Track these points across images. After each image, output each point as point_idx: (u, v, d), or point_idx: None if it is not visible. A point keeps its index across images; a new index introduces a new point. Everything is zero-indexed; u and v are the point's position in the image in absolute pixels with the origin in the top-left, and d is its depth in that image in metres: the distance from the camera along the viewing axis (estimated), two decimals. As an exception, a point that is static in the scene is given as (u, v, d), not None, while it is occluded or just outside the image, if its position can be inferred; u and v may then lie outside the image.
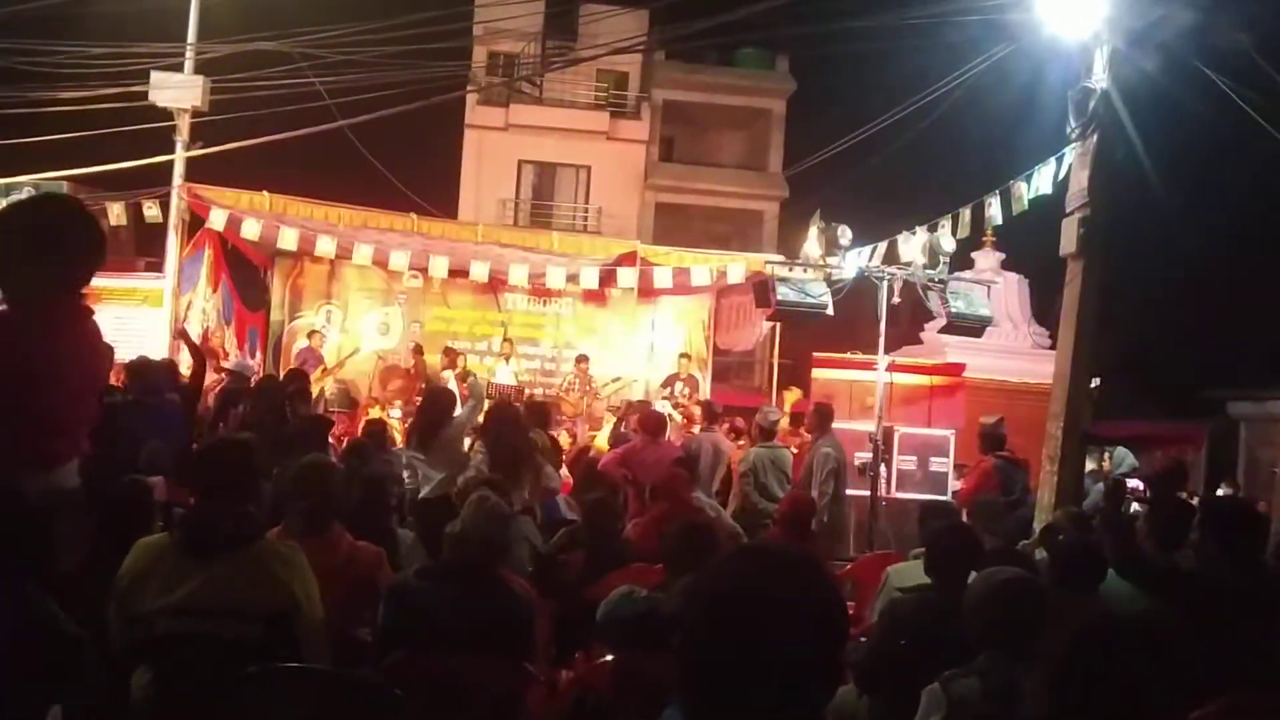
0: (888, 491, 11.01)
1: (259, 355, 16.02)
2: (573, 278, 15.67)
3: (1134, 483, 11.78)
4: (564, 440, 12.73)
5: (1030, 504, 9.12)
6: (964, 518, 6.94)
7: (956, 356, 15.26)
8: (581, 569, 5.85)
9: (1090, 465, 11.71)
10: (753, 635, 1.49)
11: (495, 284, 16.42)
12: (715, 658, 1.51)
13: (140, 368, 8.12)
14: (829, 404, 10.90)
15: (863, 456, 10.65)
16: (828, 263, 10.62)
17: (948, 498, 10.48)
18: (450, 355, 15.39)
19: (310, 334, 15.55)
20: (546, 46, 25.35)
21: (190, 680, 3.16)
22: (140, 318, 14.56)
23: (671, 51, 26.82)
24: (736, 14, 12.60)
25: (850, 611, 6.45)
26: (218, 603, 3.23)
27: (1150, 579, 4.76)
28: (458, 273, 15.71)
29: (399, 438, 10.76)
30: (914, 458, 11.75)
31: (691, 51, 26.39)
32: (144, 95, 14.35)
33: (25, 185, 14.25)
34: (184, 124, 14.65)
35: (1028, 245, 16.03)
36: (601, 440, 12.36)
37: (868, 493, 10.10)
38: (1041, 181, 10.55)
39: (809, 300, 10.28)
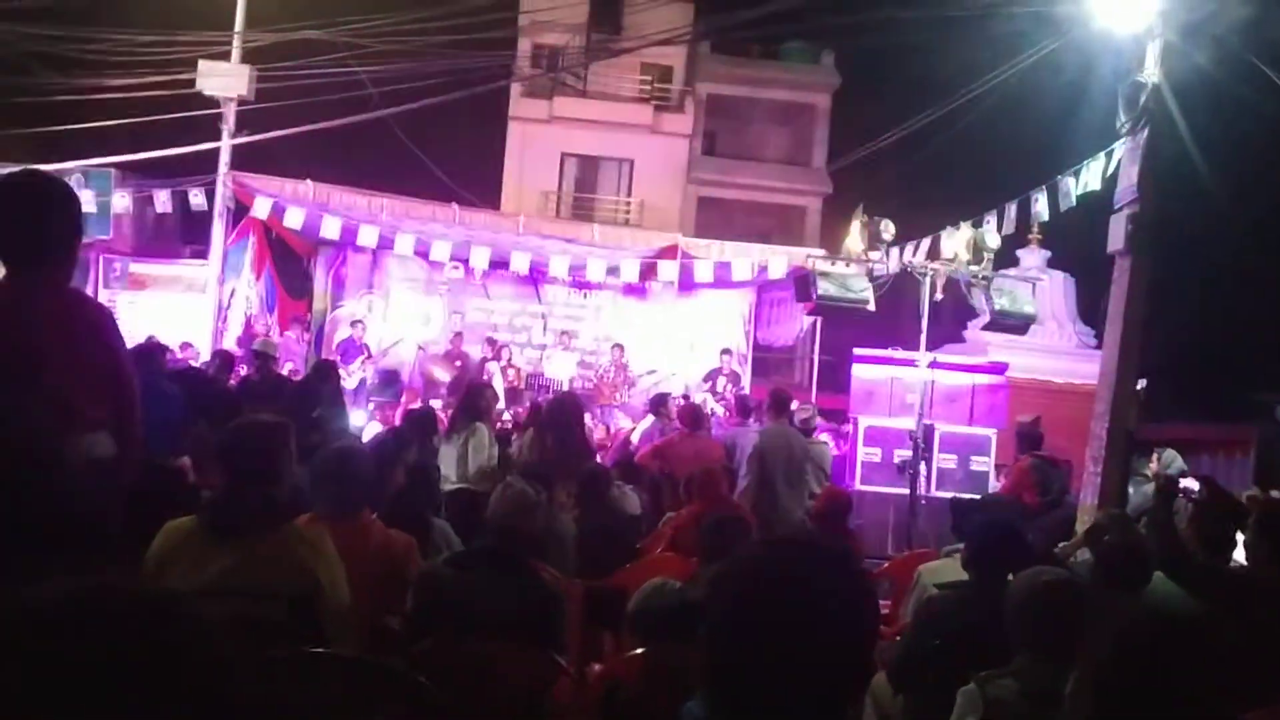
0: (927, 490, 10.88)
1: (305, 344, 16.15)
2: (613, 270, 15.66)
3: (1187, 482, 11.56)
4: (599, 432, 12.73)
5: (1069, 504, 8.98)
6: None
7: (1000, 355, 15.06)
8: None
9: (1137, 467, 11.51)
10: (778, 627, 1.43)
11: (536, 275, 16.44)
12: (738, 649, 1.46)
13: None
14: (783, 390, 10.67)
15: (902, 454, 10.54)
16: (870, 258, 10.49)
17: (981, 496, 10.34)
18: (494, 346, 15.44)
19: (353, 323, 15.64)
20: (591, 39, 25.32)
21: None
22: (185, 304, 14.71)
23: (716, 45, 26.74)
24: (782, 6, 12.51)
25: (886, 610, 6.38)
26: (242, 585, 3.21)
27: (1199, 581, 4.65)
28: (499, 264, 15.75)
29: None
30: (954, 456, 11.62)
31: (736, 45, 26.31)
32: (191, 83, 14.50)
33: (73, 171, 14.45)
34: (230, 112, 14.78)
35: (1075, 242, 15.79)
36: (639, 433, 12.33)
37: (907, 491, 9.98)
38: (1090, 177, 10.36)
39: (850, 295, 10.16)
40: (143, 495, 3.63)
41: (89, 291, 15.44)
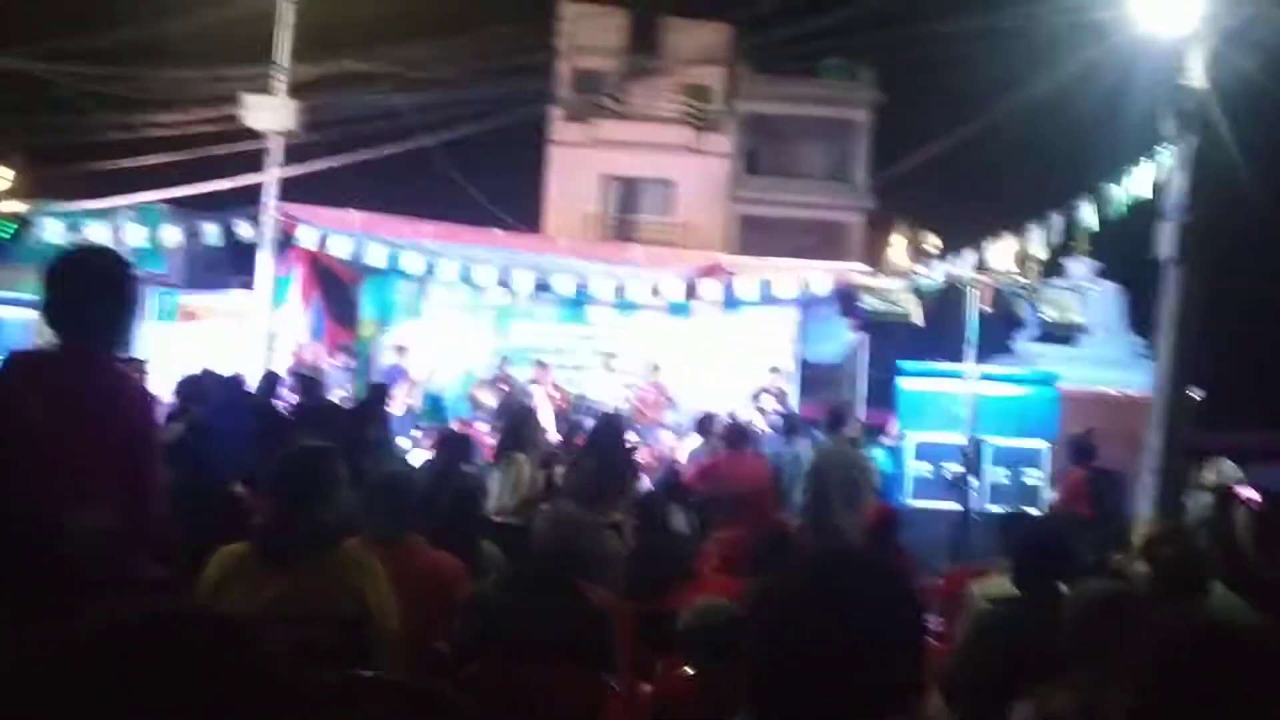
0: (979, 505, 10.76)
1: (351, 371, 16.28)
2: (656, 290, 15.67)
3: (1247, 493, 11.32)
4: (644, 453, 12.72)
5: (1124, 517, 8.83)
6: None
7: (1050, 366, 14.86)
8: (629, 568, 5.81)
9: (1194, 478, 11.30)
10: (822, 641, 1.41)
11: (579, 298, 16.50)
12: (782, 665, 1.44)
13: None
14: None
15: (953, 469, 10.43)
16: (915, 272, 10.43)
17: (1038, 510, 10.21)
18: (540, 369, 15.50)
19: (399, 349, 15.75)
20: (629, 61, 25.46)
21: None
22: (234, 334, 14.91)
23: (755, 64, 26.77)
24: (819, 24, 12.51)
25: (939, 628, 6.29)
26: (295, 610, 3.24)
27: (1261, 593, 4.55)
28: (542, 287, 15.81)
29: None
30: (1006, 470, 11.49)
31: (774, 63, 26.31)
32: (237, 118, 14.73)
33: (125, 207, 14.73)
34: (275, 145, 15.00)
35: (1124, 251, 15.58)
36: (686, 453, 12.31)
37: (959, 506, 9.88)
38: (1137, 185, 10.24)
39: (896, 310, 10.13)
40: (202, 522, 3.68)
41: (141, 324, 15.72)
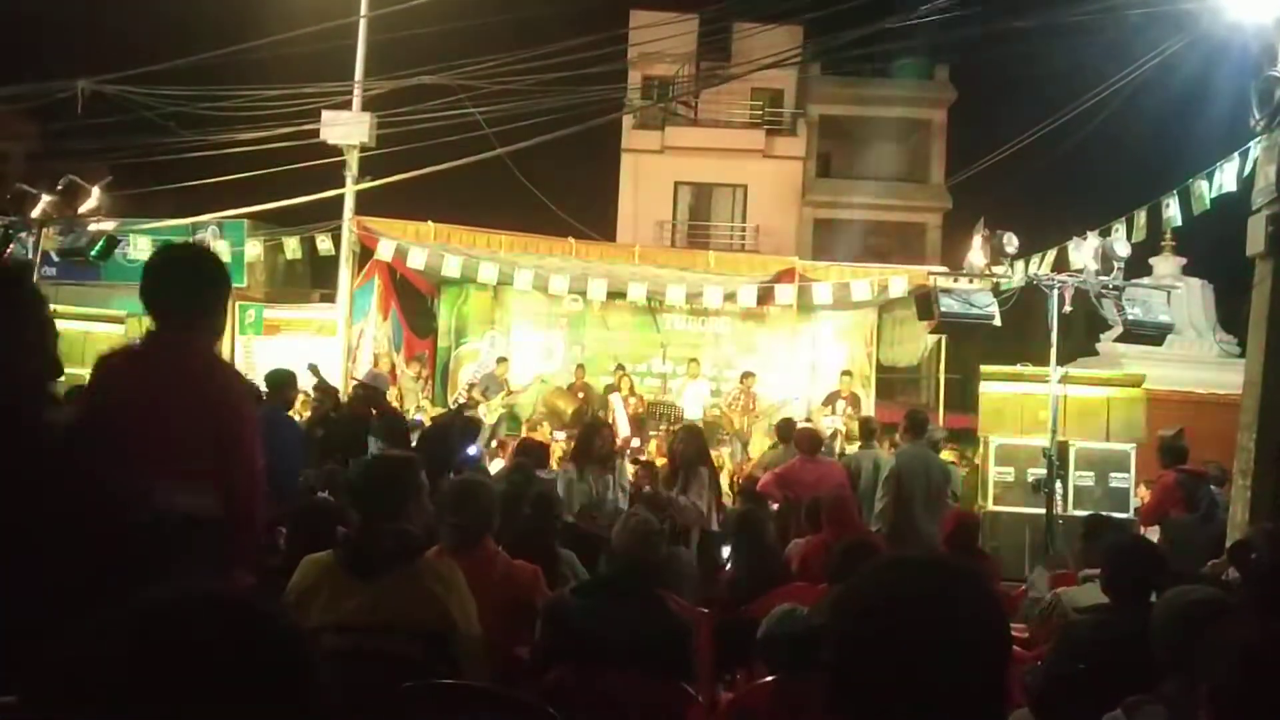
0: (1064, 509, 10.55)
1: (428, 374, 16.48)
2: (730, 296, 15.62)
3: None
4: (725, 460, 12.69)
5: (1219, 520, 8.58)
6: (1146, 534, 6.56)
7: (1136, 367, 14.52)
8: (731, 581, 5.77)
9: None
10: (902, 646, 1.39)
11: (653, 305, 16.52)
12: (861, 671, 1.42)
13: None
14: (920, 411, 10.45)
15: (1036, 472, 10.24)
16: (994, 272, 10.23)
17: (1129, 515, 9.98)
18: (617, 376, 15.57)
19: (498, 360, 15.94)
20: (700, 67, 25.43)
21: (354, 697, 3.21)
22: (316, 346, 15.18)
23: (826, 66, 26.56)
24: (892, 24, 12.37)
25: (1024, 634, 6.18)
26: (379, 620, 3.29)
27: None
28: (616, 295, 15.86)
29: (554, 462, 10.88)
30: (1092, 473, 11.25)
31: (847, 64, 26.08)
32: (315, 133, 15.02)
33: (209, 223, 15.10)
34: (353, 159, 15.26)
35: (1212, 248, 15.16)
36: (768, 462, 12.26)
37: (1043, 510, 9.68)
38: (1225, 179, 9.95)
39: (975, 311, 9.91)
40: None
41: (226, 338, 16.10)
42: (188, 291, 3.18)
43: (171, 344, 3.15)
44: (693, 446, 8.02)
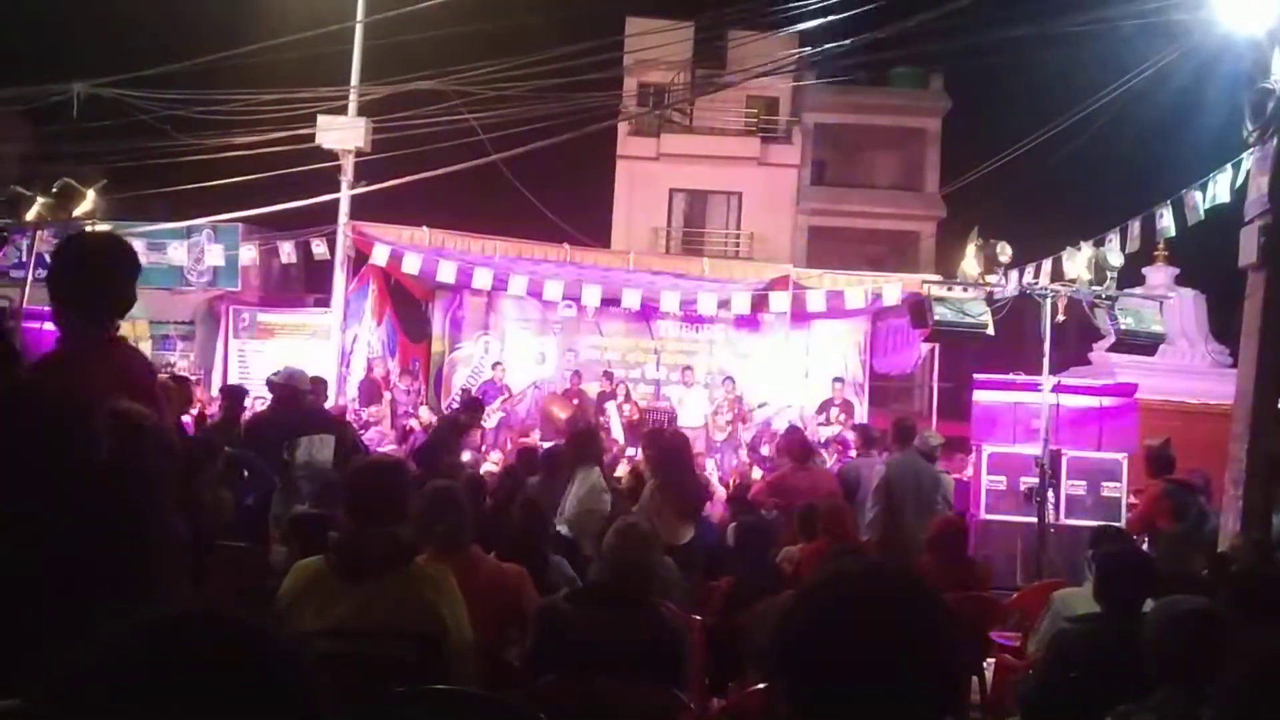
0: (1056, 518, 10.56)
1: (420, 385, 16.46)
2: (724, 303, 15.63)
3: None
4: (711, 467, 12.71)
5: (1208, 530, 8.60)
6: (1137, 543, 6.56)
7: (1128, 376, 14.55)
8: (728, 593, 5.77)
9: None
10: (843, 660, 1.41)
11: (648, 312, 16.52)
12: (805, 679, 1.44)
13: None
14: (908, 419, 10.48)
15: (1029, 481, 10.25)
16: (987, 281, 10.25)
17: (1121, 524, 9.97)
18: (611, 381, 15.57)
19: (494, 365, 15.85)
20: (695, 74, 25.47)
21: (345, 701, 3.21)
22: (309, 350, 15.17)
23: (822, 74, 26.60)
24: (887, 32, 12.40)
25: (1016, 643, 6.19)
26: (371, 625, 3.28)
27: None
28: (610, 301, 15.87)
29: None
30: (1083, 483, 11.26)
31: (842, 73, 26.10)
32: (310, 138, 15.02)
33: (203, 226, 15.09)
34: (348, 164, 15.25)
35: (1204, 258, 15.21)
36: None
37: (1035, 519, 9.69)
38: (1218, 190, 9.99)
39: (968, 320, 9.93)
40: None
41: (220, 341, 16.09)
42: (109, 280, 3.23)
43: (90, 338, 3.19)
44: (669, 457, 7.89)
